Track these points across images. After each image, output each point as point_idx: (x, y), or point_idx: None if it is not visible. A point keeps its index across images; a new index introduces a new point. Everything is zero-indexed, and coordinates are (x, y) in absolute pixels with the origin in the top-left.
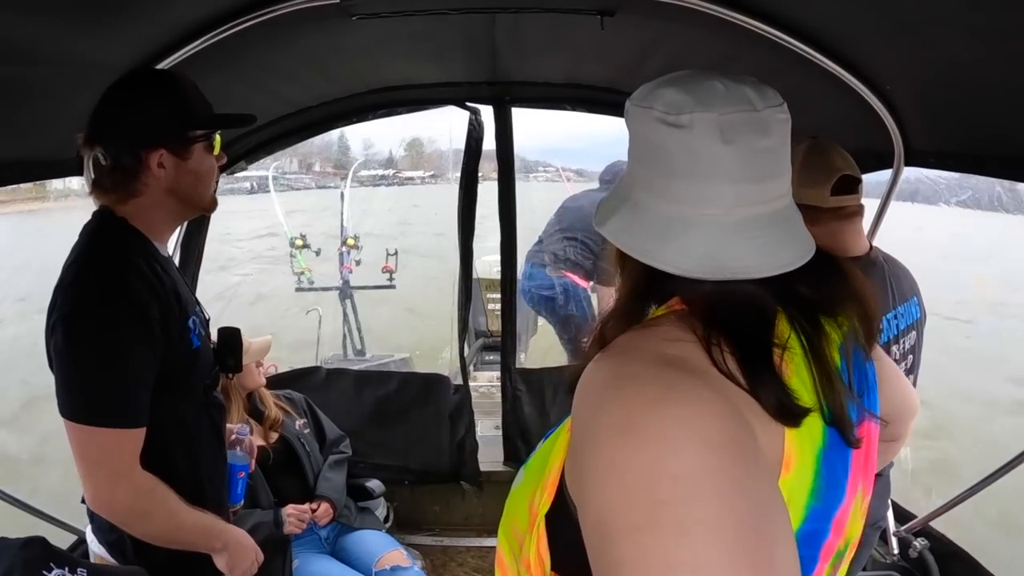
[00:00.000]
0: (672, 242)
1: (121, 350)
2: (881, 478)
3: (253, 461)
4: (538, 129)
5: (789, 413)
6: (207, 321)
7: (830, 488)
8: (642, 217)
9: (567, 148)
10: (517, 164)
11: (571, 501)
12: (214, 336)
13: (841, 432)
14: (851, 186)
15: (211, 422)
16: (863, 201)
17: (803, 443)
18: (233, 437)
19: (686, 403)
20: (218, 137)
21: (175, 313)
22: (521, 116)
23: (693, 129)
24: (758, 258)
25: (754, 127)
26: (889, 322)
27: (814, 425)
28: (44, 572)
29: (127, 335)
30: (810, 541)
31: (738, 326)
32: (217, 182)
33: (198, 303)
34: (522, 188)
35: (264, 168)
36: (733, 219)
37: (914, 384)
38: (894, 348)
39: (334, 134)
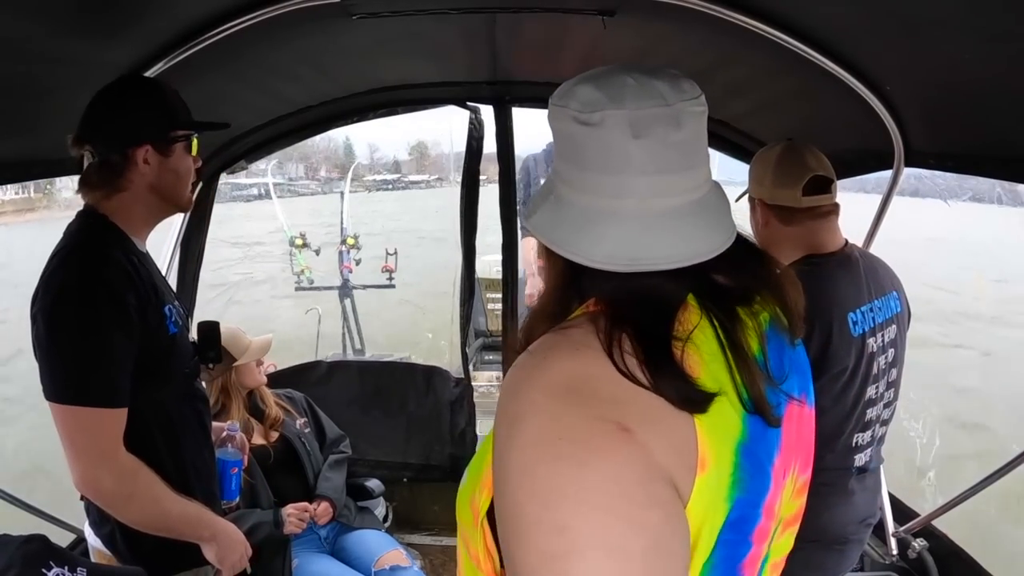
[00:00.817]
0: (587, 234)
1: (100, 334)
2: (870, 474)
3: (246, 457)
4: (545, 130)
5: (691, 400)
6: (185, 315)
7: (754, 478)
8: (562, 210)
9: None
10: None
11: None
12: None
13: (762, 416)
14: (824, 186)
15: (194, 411)
16: (841, 199)
17: (718, 438)
18: (224, 434)
19: (581, 453)
20: (195, 141)
21: (151, 301)
22: (528, 117)
23: (604, 126)
24: (670, 248)
25: (666, 121)
26: (864, 315)
27: (730, 418)
28: (44, 571)
29: (105, 319)
30: (740, 527)
31: (638, 322)
32: (195, 185)
33: (177, 298)
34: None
35: (272, 175)
36: (648, 211)
37: (898, 377)
38: (870, 341)
39: (339, 139)
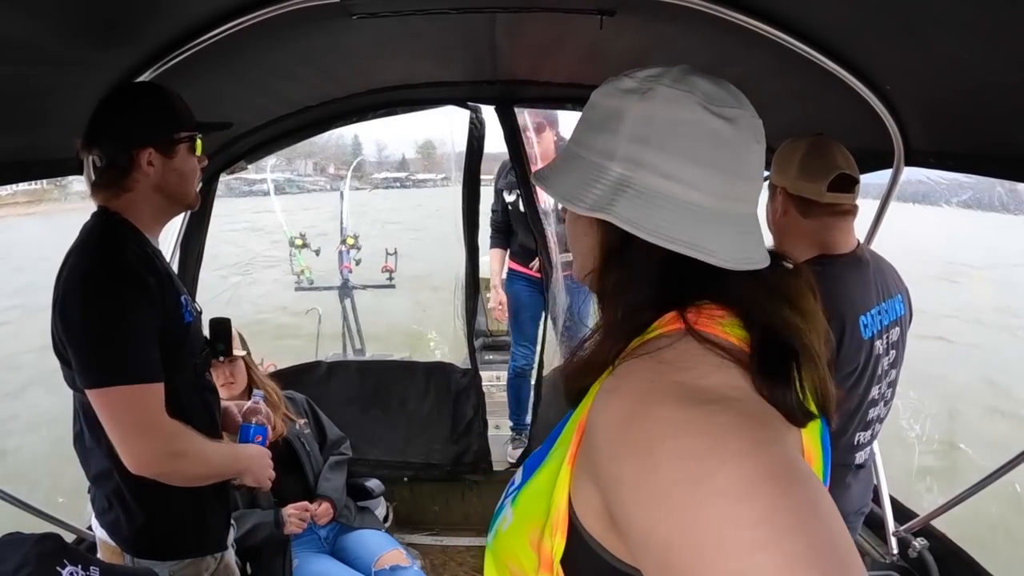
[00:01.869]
0: (709, 233)
1: (128, 314)
2: (863, 469)
3: (271, 428)
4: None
5: (799, 416)
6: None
7: (825, 475)
8: (664, 205)
9: None
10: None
11: (597, 545)
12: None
13: (827, 416)
14: (848, 185)
15: (204, 402)
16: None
17: (814, 441)
18: (249, 405)
19: (749, 445)
20: (199, 141)
21: (168, 288)
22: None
23: (738, 125)
24: (759, 252)
25: (760, 131)
26: (873, 318)
27: (816, 421)
28: (58, 568)
29: (131, 300)
30: None
31: (767, 333)
32: (200, 182)
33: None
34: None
35: (281, 171)
36: (745, 214)
37: (896, 377)
38: (878, 343)
39: (347, 137)
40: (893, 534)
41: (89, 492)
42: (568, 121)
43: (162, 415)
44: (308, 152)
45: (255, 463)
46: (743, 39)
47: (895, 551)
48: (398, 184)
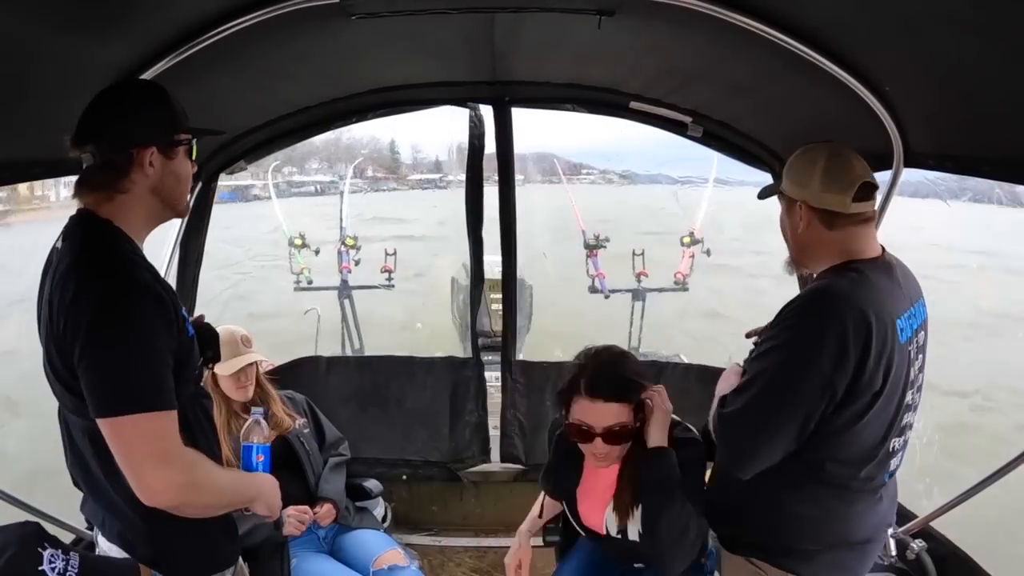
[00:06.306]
0: None
1: (148, 338)
2: (893, 478)
3: (269, 444)
4: (581, 129)
5: None
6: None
7: None
8: None
9: (613, 151)
10: (560, 166)
11: None
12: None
13: None
14: (869, 193)
15: (203, 409)
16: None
17: None
18: (249, 423)
19: None
20: (194, 146)
21: (176, 303)
22: (565, 118)
23: None
24: None
25: None
26: (906, 321)
27: None
28: (39, 550)
29: (151, 322)
30: None
31: None
32: (193, 191)
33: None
34: (569, 190)
35: (323, 173)
36: None
37: (923, 382)
38: (910, 348)
39: (384, 140)
40: (892, 536)
41: (90, 512)
42: (564, 124)
43: (179, 444)
44: (350, 156)
45: (266, 491)
46: (743, 40)
47: (893, 553)
48: (432, 185)
